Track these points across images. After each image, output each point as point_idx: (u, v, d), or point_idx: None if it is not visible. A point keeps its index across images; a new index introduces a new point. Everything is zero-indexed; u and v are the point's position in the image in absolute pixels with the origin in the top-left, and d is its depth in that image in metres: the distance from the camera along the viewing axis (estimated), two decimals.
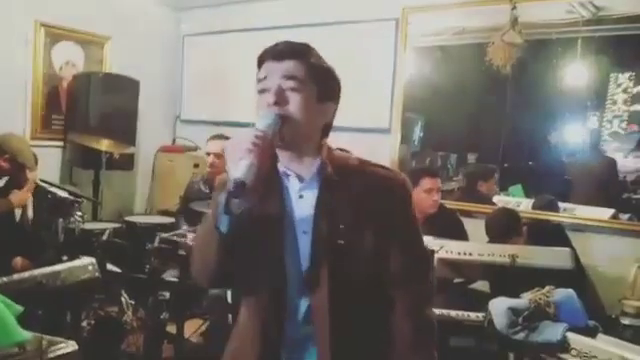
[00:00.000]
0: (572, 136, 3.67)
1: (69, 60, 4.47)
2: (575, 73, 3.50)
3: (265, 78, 1.23)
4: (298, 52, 1.24)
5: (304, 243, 1.22)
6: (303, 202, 1.24)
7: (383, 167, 1.32)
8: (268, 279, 1.23)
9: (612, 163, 3.45)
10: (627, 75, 3.49)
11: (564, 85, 3.53)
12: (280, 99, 1.19)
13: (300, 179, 1.25)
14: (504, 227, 3.01)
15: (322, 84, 1.25)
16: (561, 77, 3.53)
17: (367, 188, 1.25)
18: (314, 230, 1.21)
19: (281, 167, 1.26)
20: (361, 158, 1.32)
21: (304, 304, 1.22)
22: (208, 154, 3.66)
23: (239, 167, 1.06)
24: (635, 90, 3.46)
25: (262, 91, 1.23)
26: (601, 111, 3.56)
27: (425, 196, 3.09)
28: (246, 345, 1.28)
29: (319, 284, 1.20)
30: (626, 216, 3.30)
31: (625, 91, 3.49)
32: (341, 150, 1.35)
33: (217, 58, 5.04)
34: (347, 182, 1.24)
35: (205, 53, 5.16)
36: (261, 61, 1.26)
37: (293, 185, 1.25)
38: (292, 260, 1.22)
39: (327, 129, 1.30)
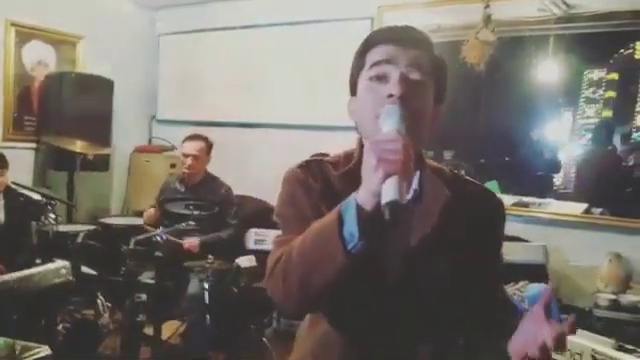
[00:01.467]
0: (547, 131, 3.73)
1: (41, 60, 4.38)
2: (548, 70, 3.55)
3: (382, 62, 1.03)
4: (423, 41, 1.07)
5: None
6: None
7: (472, 179, 1.17)
8: (368, 298, 1.03)
9: (618, 158, 3.44)
10: (599, 71, 3.56)
11: (537, 82, 3.58)
12: (406, 91, 0.99)
13: None
14: None
15: (440, 83, 1.08)
16: (534, 74, 3.59)
17: (475, 205, 1.08)
18: (422, 251, 1.02)
19: None
20: (445, 166, 1.16)
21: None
22: (185, 156, 3.62)
23: (390, 187, 0.84)
24: (608, 85, 3.53)
25: (378, 78, 1.04)
26: (574, 107, 3.63)
27: None
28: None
29: (419, 306, 1.03)
30: (598, 210, 3.36)
31: (598, 87, 3.56)
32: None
33: (193, 57, 5.00)
34: (454, 198, 1.06)
35: (181, 52, 5.12)
36: (373, 43, 1.07)
37: None
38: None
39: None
